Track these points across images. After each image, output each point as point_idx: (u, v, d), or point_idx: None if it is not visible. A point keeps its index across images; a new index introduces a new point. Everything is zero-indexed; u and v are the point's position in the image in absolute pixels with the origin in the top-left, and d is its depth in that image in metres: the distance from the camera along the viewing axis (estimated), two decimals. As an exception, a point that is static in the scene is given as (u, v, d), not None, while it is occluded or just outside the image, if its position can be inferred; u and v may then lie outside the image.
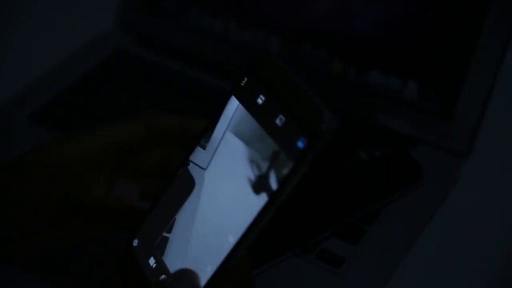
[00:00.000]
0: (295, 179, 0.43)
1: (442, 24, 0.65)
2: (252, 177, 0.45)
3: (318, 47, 0.71)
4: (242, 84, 0.48)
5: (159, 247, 0.49)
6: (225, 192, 0.47)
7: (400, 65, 0.68)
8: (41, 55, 0.81)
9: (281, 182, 0.43)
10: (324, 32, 0.71)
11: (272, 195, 0.44)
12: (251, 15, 0.75)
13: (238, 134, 0.47)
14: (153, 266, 0.48)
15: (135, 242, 0.50)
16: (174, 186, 0.50)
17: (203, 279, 0.46)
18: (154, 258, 0.48)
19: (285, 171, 0.43)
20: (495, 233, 0.63)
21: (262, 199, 0.44)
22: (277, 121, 0.45)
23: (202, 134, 0.49)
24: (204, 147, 0.49)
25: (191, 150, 0.50)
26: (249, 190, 0.45)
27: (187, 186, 0.49)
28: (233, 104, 0.48)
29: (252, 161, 0.45)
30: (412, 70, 0.68)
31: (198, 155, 0.49)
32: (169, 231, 0.49)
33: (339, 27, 0.70)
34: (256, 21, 0.74)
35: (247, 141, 0.46)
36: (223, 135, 0.48)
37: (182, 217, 0.48)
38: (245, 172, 0.45)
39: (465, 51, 0.64)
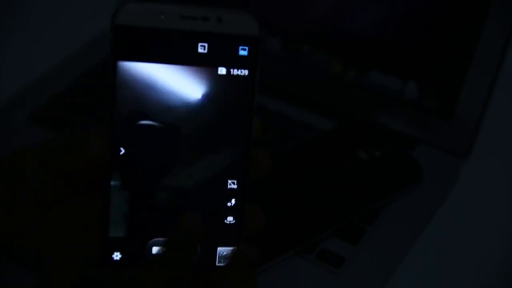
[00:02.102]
0: (257, 82, 0.45)
1: (442, 24, 0.65)
2: (223, 108, 0.45)
3: (318, 47, 0.71)
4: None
5: (155, 232, 0.44)
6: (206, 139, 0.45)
7: (400, 65, 0.68)
8: (41, 55, 0.81)
9: (251, 91, 0.45)
10: (324, 32, 0.71)
11: (250, 110, 0.45)
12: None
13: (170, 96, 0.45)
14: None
15: (116, 255, 0.45)
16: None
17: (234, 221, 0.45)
18: (157, 245, 0.44)
19: (246, 83, 0.44)
20: (495, 233, 0.63)
21: (242, 119, 0.45)
22: (200, 50, 0.44)
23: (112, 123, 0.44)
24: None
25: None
26: (224, 121, 0.45)
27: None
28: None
29: (209, 101, 0.45)
30: (412, 70, 0.68)
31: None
32: (160, 207, 0.45)
33: (339, 27, 0.70)
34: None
35: (186, 93, 0.45)
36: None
37: (163, 189, 0.45)
38: (211, 115, 0.45)
39: (465, 51, 0.64)
